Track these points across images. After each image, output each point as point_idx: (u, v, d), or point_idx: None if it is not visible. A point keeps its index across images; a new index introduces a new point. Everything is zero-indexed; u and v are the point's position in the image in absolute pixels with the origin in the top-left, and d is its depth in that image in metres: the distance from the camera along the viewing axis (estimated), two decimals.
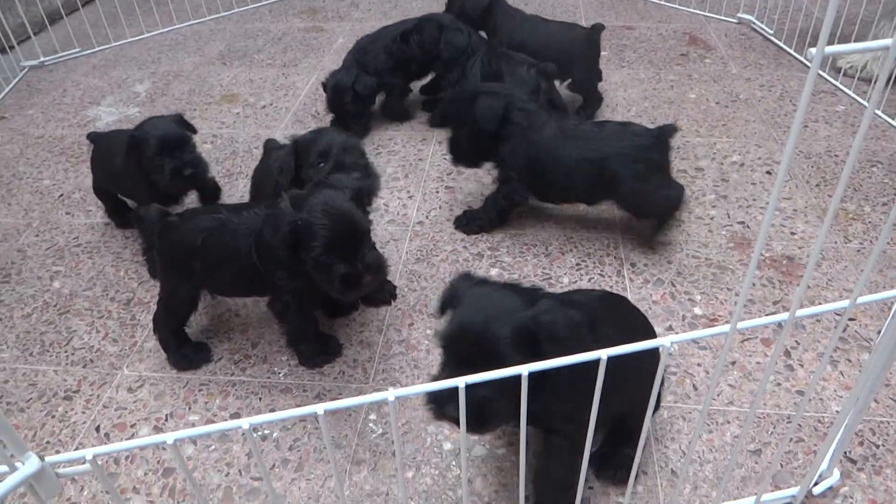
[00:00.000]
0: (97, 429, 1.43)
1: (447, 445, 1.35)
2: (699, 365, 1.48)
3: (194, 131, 1.77)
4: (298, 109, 2.58)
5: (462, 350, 0.99)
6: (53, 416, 1.46)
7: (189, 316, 1.54)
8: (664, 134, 1.70)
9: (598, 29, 2.27)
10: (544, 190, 1.82)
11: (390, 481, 1.29)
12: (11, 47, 3.16)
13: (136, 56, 3.14)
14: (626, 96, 2.53)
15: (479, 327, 0.98)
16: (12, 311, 1.75)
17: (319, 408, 0.74)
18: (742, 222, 1.89)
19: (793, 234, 1.84)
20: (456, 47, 2.22)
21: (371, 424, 1.40)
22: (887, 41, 0.63)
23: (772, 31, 2.91)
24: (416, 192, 2.08)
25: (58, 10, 3.44)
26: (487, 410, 0.97)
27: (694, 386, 1.44)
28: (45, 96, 2.82)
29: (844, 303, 0.87)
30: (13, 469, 0.70)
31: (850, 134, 2.26)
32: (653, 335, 1.22)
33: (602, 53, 2.82)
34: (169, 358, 1.55)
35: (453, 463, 1.31)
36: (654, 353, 0.84)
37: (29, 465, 0.70)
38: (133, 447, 0.78)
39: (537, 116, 1.74)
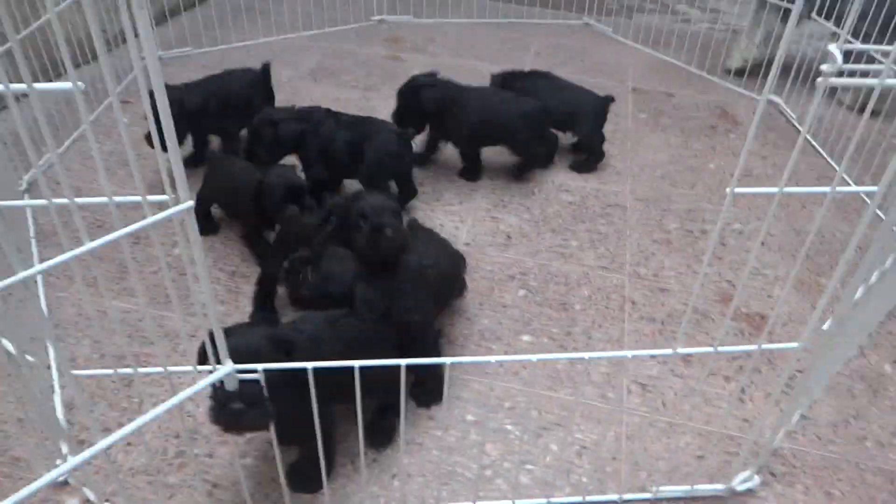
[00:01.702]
0: None
1: (469, 416, 1.78)
2: (671, 388, 1.90)
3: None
4: None
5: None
6: (176, 352, 1.94)
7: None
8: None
9: (608, 99, 2.81)
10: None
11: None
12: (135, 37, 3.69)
13: (239, 61, 3.61)
14: (655, 158, 2.95)
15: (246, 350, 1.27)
16: (143, 267, 2.23)
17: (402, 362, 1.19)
18: (730, 281, 2.30)
19: (769, 296, 2.24)
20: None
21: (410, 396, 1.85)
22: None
23: (795, 116, 3.30)
24: (467, 217, 2.53)
25: (177, 8, 3.97)
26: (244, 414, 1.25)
27: (663, 403, 1.86)
28: None
29: (793, 344, 1.29)
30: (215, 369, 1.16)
31: (840, 218, 2.64)
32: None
33: (641, 116, 3.25)
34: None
35: (472, 431, 1.75)
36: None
37: (227, 367, 1.15)
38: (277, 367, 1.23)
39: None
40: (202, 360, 1.28)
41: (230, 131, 2.75)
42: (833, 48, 0.96)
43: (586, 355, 1.21)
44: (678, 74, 3.71)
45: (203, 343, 1.20)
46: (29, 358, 1.19)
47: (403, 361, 1.20)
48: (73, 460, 1.04)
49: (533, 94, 2.78)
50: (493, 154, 2.89)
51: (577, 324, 2.10)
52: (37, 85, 0.88)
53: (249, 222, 2.24)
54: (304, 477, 1.56)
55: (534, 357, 1.26)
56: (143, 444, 1.68)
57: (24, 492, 0.96)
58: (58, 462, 1.57)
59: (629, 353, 1.22)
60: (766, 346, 1.28)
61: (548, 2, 4.58)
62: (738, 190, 1.07)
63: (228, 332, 1.31)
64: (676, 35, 4.05)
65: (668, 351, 1.26)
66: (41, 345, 1.88)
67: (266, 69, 2.82)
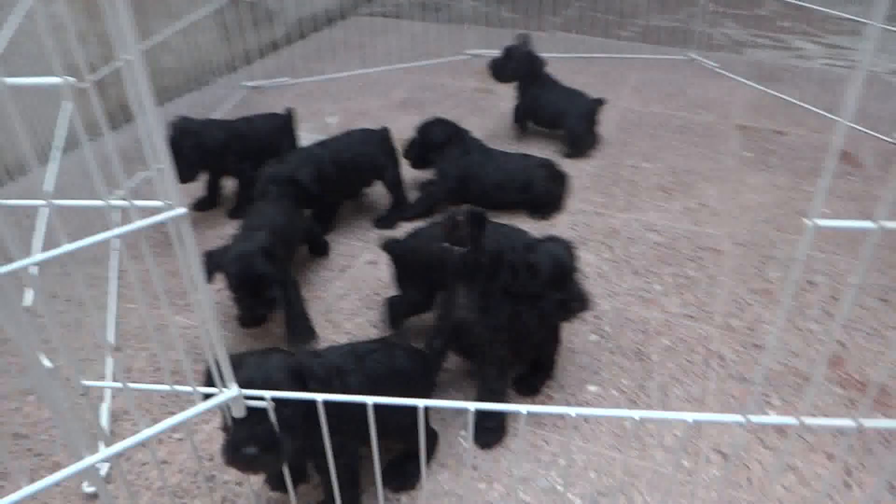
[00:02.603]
0: None
1: (517, 471, 1.60)
2: (759, 461, 1.63)
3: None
4: None
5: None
6: None
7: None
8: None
9: (598, 101, 2.99)
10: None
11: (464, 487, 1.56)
12: (237, 68, 3.83)
13: (332, 91, 3.69)
14: (759, 200, 2.67)
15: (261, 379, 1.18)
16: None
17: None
18: (841, 342, 1.99)
19: (893, 363, 1.92)
20: None
21: (461, 440, 1.69)
22: None
23: None
24: None
25: (275, 42, 4.11)
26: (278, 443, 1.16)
27: (749, 479, 1.59)
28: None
29: None
30: (221, 392, 1.06)
31: None
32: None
33: (746, 154, 2.98)
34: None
35: (520, 487, 1.56)
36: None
37: (232, 391, 1.06)
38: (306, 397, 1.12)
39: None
40: (208, 381, 1.20)
41: (248, 175, 2.52)
42: None
43: (636, 414, 1.01)
44: (791, 112, 3.39)
45: (209, 363, 1.12)
46: (48, 364, 1.14)
47: (422, 402, 1.05)
48: (91, 458, 0.98)
49: (527, 97, 3.13)
50: (576, 191, 2.72)
51: (652, 377, 1.87)
52: (11, 79, 0.82)
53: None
54: None
55: (578, 411, 1.07)
56: (178, 463, 1.62)
57: (51, 478, 0.91)
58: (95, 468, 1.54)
59: (689, 417, 1.02)
60: (866, 421, 1.03)
61: (650, 37, 4.39)
62: (822, 223, 0.86)
63: (241, 358, 1.22)
64: (791, 71, 3.73)
65: (739, 418, 1.04)
66: (102, 352, 1.90)
67: (289, 115, 2.74)
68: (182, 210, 0.90)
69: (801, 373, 1.88)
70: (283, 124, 2.73)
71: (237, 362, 1.18)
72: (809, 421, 1.02)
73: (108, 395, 1.81)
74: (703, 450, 1.65)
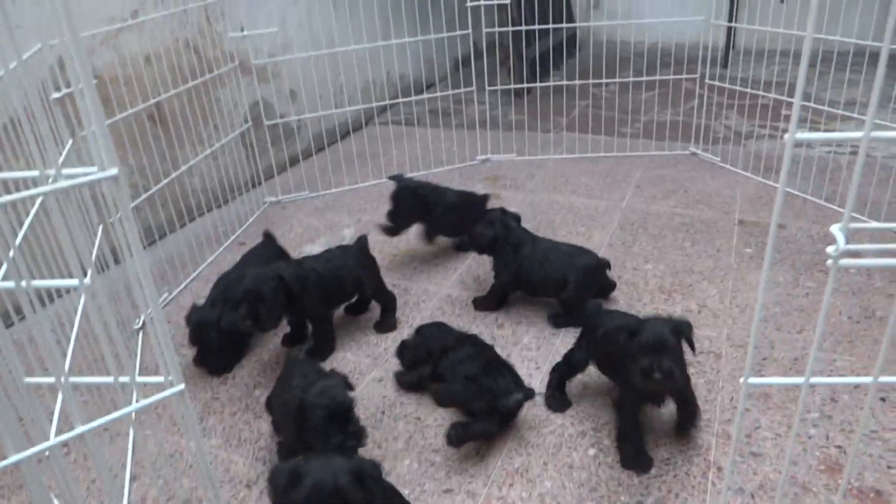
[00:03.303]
0: None
1: None
2: None
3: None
4: (463, 270, 3.10)
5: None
6: (236, 498, 1.97)
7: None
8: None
9: (604, 264, 2.71)
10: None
11: None
12: (259, 184, 4.09)
13: (348, 203, 3.91)
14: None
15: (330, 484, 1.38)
16: (224, 407, 2.34)
17: None
18: (839, 446, 2.00)
19: (889, 468, 1.92)
20: None
21: None
22: None
23: None
24: (543, 364, 2.44)
25: (295, 156, 4.39)
26: None
27: None
28: (277, 229, 3.61)
29: None
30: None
31: None
32: None
33: (746, 251, 3.06)
34: None
35: None
36: None
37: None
38: None
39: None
40: None
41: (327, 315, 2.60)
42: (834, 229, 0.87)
43: None
44: (791, 204, 3.48)
45: None
46: None
47: None
48: None
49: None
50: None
51: (650, 493, 1.90)
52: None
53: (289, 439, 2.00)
54: None
55: None
56: None
57: None
58: None
59: None
60: None
61: (653, 132, 4.56)
62: (753, 381, 0.94)
63: (300, 468, 1.32)
64: (792, 161, 3.84)
65: None
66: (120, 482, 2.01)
67: (364, 242, 2.75)
68: (180, 387, 1.02)
69: (800, 482, 1.89)
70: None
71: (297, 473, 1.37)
72: None
73: None
74: None
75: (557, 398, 2.24)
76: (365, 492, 1.42)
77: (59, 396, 1.48)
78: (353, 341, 2.67)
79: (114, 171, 0.89)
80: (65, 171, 0.88)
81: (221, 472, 2.08)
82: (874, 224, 0.77)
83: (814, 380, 0.95)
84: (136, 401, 1.05)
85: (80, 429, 0.99)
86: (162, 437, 2.22)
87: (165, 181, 3.16)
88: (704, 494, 1.88)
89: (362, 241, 2.72)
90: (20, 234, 1.58)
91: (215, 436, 2.22)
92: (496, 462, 2.03)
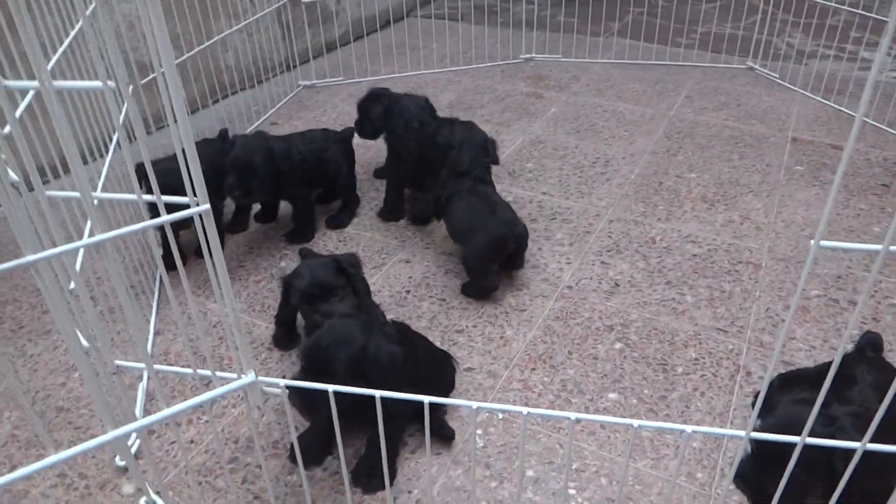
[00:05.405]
0: (283, 376, 1.91)
1: (529, 472, 1.62)
2: None
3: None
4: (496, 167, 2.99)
5: (314, 363, 1.40)
6: (257, 359, 1.97)
7: None
8: None
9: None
10: None
11: (474, 485, 1.60)
12: (294, 66, 3.96)
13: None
14: (806, 215, 2.60)
15: (324, 349, 1.40)
16: (249, 275, 2.33)
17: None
18: None
19: None
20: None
21: (476, 438, 1.72)
22: None
23: None
24: (575, 259, 2.37)
25: (333, 42, 4.22)
26: None
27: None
28: (309, 112, 3.53)
29: None
30: (239, 377, 1.13)
31: None
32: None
33: (797, 168, 2.91)
34: None
35: (530, 488, 1.59)
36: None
37: (249, 377, 1.12)
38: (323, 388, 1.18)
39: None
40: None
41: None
42: None
43: (635, 422, 1.03)
44: (849, 124, 3.28)
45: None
46: (84, 343, 1.24)
47: (427, 398, 1.09)
48: (117, 432, 1.05)
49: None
50: (616, 199, 2.71)
51: (675, 388, 1.86)
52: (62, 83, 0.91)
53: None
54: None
55: (577, 416, 1.09)
56: (204, 444, 1.72)
57: (79, 447, 0.99)
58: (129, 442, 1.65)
59: (689, 428, 1.02)
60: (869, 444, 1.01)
61: (710, 45, 4.30)
62: (824, 244, 0.85)
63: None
64: (856, 83, 3.61)
65: (740, 433, 1.03)
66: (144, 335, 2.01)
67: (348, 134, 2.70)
68: (205, 206, 0.96)
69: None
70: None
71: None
72: (811, 440, 1.01)
73: (145, 375, 1.91)
74: (720, 463, 1.64)
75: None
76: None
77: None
78: (382, 224, 2.61)
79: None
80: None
81: (245, 333, 2.08)
82: None
83: (893, 247, 0.85)
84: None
85: (101, 235, 0.95)
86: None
87: (198, 48, 3.06)
88: (730, 395, 1.83)
89: (347, 133, 2.66)
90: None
91: (240, 301, 2.21)
92: (520, 347, 2.00)
